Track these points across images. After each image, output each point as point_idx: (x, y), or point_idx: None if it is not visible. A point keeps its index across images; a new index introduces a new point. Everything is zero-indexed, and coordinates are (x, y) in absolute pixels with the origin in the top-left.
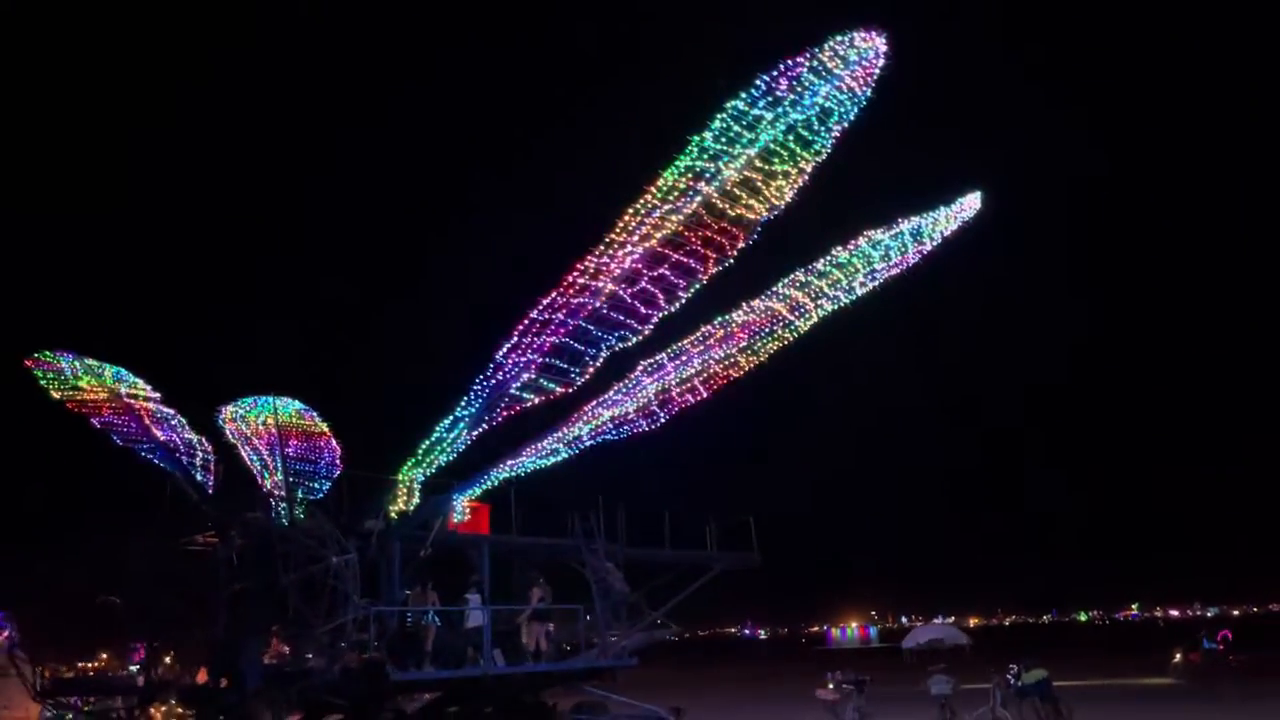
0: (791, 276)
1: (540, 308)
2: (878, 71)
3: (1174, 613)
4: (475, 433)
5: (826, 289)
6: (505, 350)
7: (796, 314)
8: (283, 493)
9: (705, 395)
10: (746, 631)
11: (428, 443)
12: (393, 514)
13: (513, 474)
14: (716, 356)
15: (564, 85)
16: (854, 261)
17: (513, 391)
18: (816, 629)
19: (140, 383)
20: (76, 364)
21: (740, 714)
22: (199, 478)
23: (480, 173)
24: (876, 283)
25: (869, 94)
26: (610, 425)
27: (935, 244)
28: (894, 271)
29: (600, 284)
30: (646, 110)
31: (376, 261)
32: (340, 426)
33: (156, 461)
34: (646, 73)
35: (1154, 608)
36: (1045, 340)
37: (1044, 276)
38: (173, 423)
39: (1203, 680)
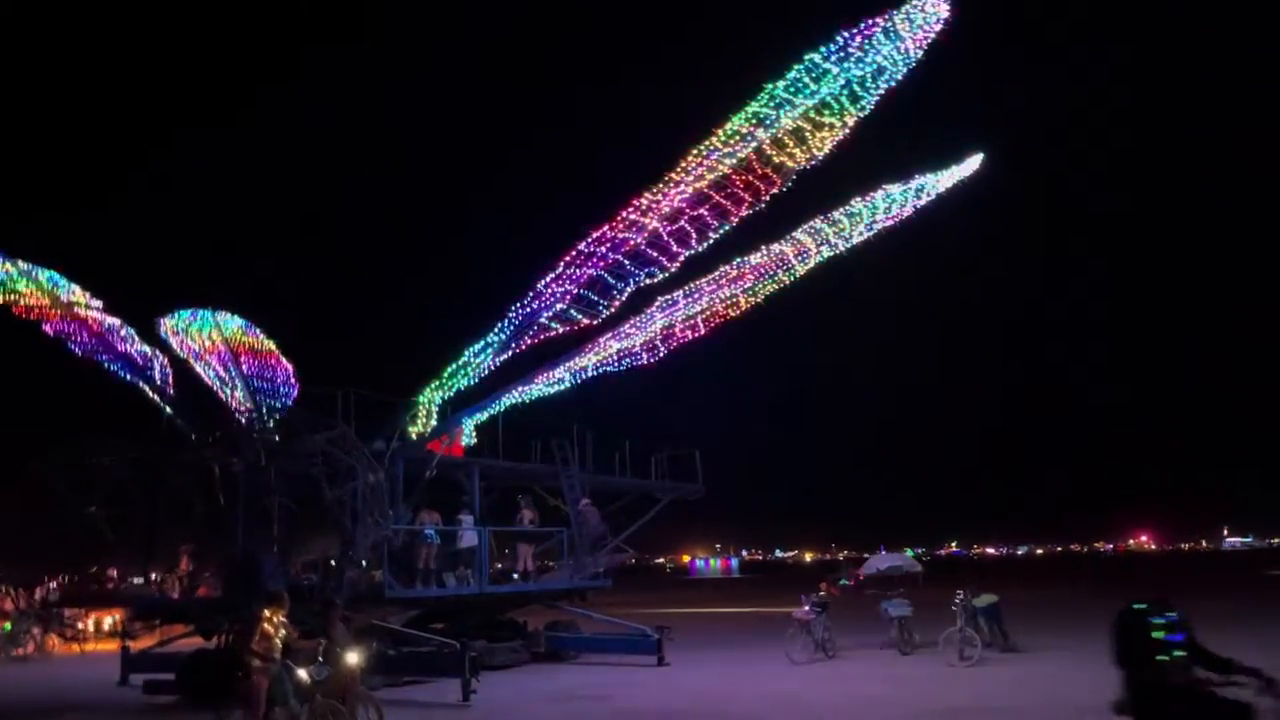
0: (808, 223)
1: (589, 240)
2: (934, 36)
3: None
4: (500, 359)
5: (831, 236)
6: (548, 279)
7: (799, 259)
8: (252, 409)
9: (704, 332)
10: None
11: (453, 366)
12: (412, 435)
13: (519, 400)
14: (723, 296)
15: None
16: (862, 212)
17: (542, 320)
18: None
19: (78, 289)
20: (8, 265)
21: (717, 635)
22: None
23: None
24: (872, 233)
25: (920, 56)
26: (614, 357)
27: (931, 200)
28: (889, 223)
29: (647, 220)
30: (715, 59)
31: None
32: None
33: (122, 374)
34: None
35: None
36: None
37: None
38: (121, 334)
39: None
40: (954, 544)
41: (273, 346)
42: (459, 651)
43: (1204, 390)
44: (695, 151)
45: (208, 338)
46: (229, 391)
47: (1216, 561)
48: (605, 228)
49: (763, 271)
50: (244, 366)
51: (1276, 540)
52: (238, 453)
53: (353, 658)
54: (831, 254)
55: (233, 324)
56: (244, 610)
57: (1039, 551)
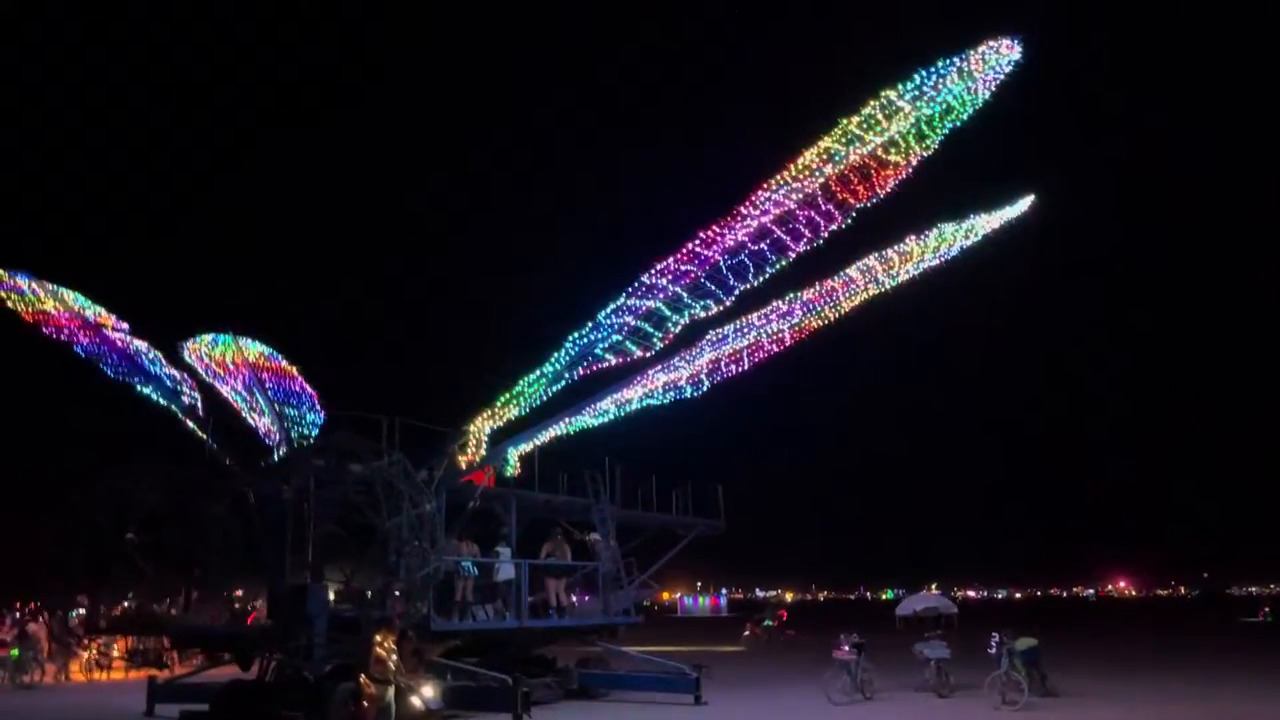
0: (862, 260)
1: (653, 271)
2: (1003, 78)
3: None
4: (553, 389)
5: (880, 274)
6: (609, 310)
7: (846, 295)
8: (279, 434)
9: (747, 367)
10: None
11: (507, 395)
12: (461, 464)
13: (564, 431)
14: (770, 330)
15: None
16: (914, 250)
17: (597, 350)
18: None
19: (103, 310)
20: (35, 285)
21: (755, 672)
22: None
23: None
24: (917, 272)
25: (988, 98)
26: (660, 390)
27: (977, 241)
28: (935, 264)
29: (710, 253)
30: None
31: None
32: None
33: (154, 398)
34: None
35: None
36: None
37: None
38: (149, 356)
39: (760, 648)
40: (934, 586)
41: (294, 370)
42: (510, 687)
43: (1188, 437)
44: (767, 185)
45: (230, 360)
46: (256, 416)
47: (1197, 608)
48: (670, 259)
49: (809, 307)
50: (268, 390)
51: (1255, 588)
52: (288, 480)
53: (429, 690)
54: (877, 291)
55: (255, 347)
56: (291, 640)
57: (1017, 595)
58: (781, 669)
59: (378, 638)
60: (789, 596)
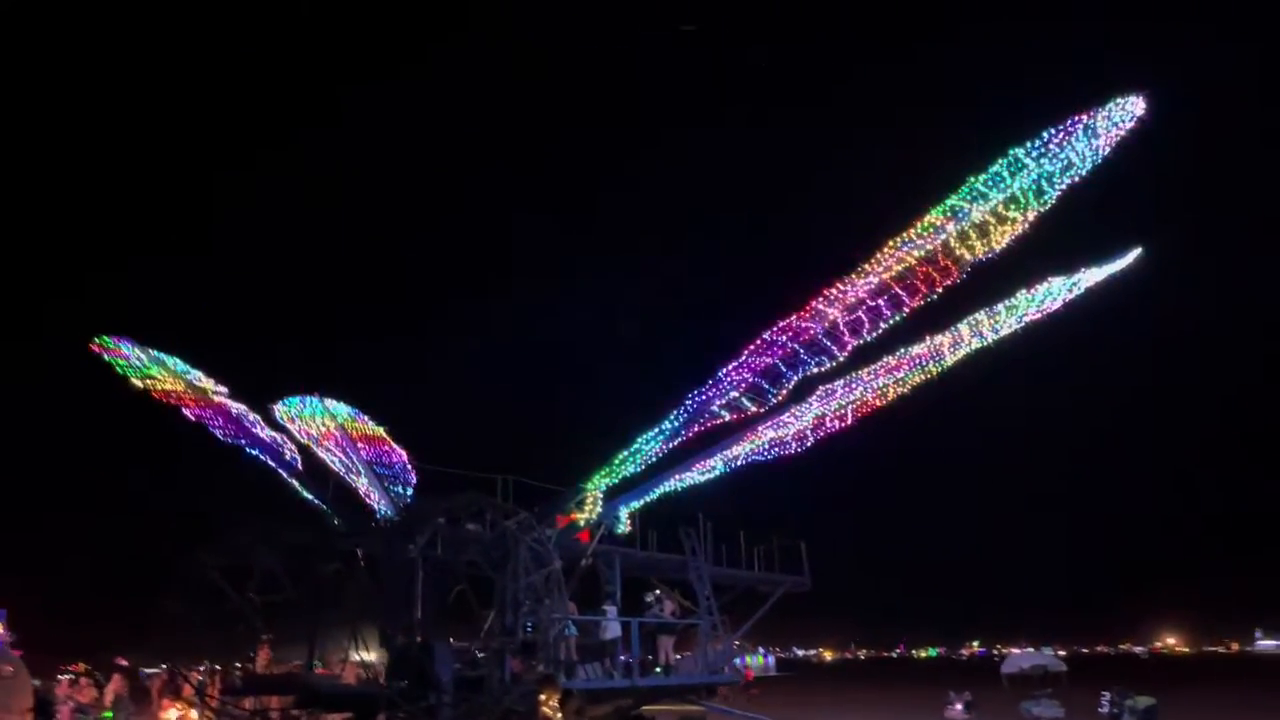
0: (972, 315)
1: (774, 329)
2: (1124, 134)
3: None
4: (668, 445)
5: (986, 328)
6: (729, 367)
7: (951, 350)
8: (379, 494)
9: (850, 423)
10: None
11: (625, 452)
12: (580, 522)
13: (673, 489)
14: (876, 386)
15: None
16: (1021, 304)
17: (714, 408)
18: None
19: (203, 375)
20: (140, 352)
21: None
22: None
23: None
24: (1019, 326)
25: (1108, 153)
26: (766, 446)
27: (1080, 294)
28: (1037, 318)
29: (830, 310)
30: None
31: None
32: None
33: (263, 459)
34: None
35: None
36: None
37: None
38: (250, 418)
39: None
40: (976, 643)
41: (382, 432)
42: None
43: (1229, 488)
44: (893, 242)
45: (322, 424)
46: (354, 476)
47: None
48: (794, 316)
49: (916, 362)
50: (362, 452)
51: None
52: (413, 539)
53: None
54: (980, 345)
55: (342, 410)
56: (419, 700)
57: (1062, 653)
58: None
59: (542, 696)
60: (828, 655)
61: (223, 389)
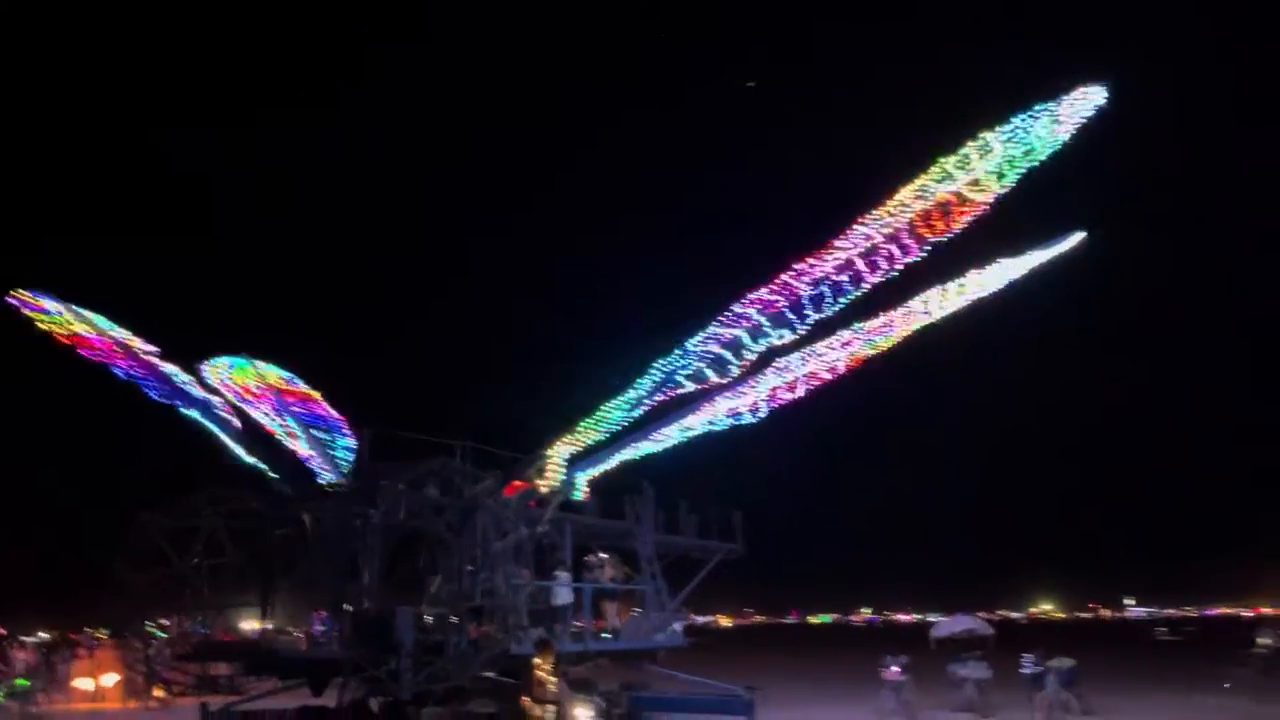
0: (925, 292)
1: (743, 301)
2: (1084, 122)
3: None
4: (633, 414)
5: (935, 306)
6: (700, 338)
7: (901, 326)
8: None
9: (800, 395)
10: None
11: (589, 420)
12: (542, 490)
13: (630, 458)
14: (827, 360)
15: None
16: (970, 283)
17: (678, 377)
18: None
19: (129, 334)
20: (62, 307)
21: (805, 693)
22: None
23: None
24: (965, 305)
25: (1066, 140)
26: (721, 416)
27: (1022, 276)
28: (976, 298)
29: (798, 284)
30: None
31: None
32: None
33: (200, 421)
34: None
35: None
36: None
37: None
38: (181, 380)
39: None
40: (868, 610)
41: (317, 394)
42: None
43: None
44: (863, 220)
45: (253, 383)
46: (292, 440)
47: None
48: (763, 289)
49: (866, 338)
50: (297, 410)
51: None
52: (374, 505)
53: (583, 713)
54: (927, 323)
55: (273, 370)
56: (380, 665)
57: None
58: (830, 691)
59: (537, 660)
60: (725, 621)
61: (152, 348)
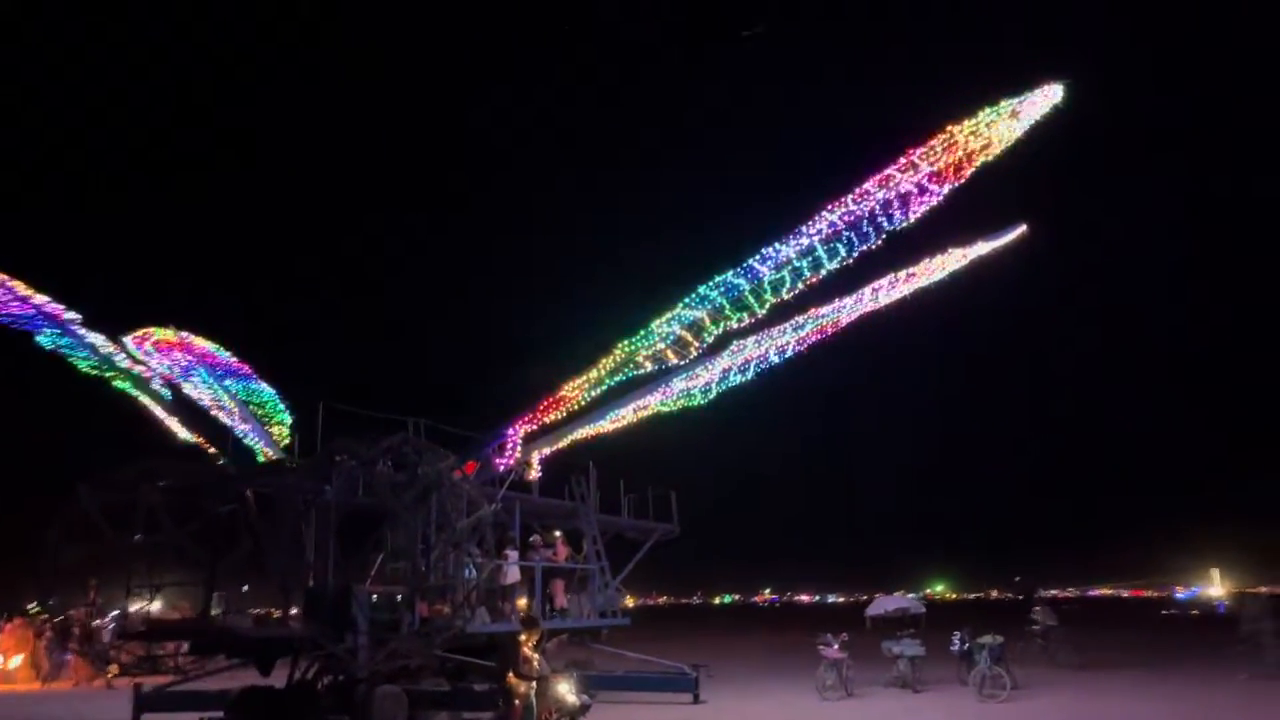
0: (885, 278)
1: (711, 284)
2: (1038, 119)
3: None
4: (595, 394)
5: (883, 291)
6: (663, 320)
7: (852, 309)
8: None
9: (749, 376)
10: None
11: (550, 399)
12: (499, 467)
13: (583, 435)
14: (778, 342)
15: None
16: (920, 270)
17: (639, 358)
18: None
19: (50, 299)
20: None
21: (750, 671)
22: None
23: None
24: (910, 290)
25: (1020, 137)
26: (675, 398)
27: (967, 265)
28: (925, 283)
29: (762, 269)
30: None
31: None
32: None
33: (131, 391)
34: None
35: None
36: None
37: None
38: (107, 350)
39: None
40: (768, 590)
41: (249, 369)
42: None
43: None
44: (832, 205)
45: (179, 354)
46: (224, 411)
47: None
48: (730, 272)
49: (815, 318)
50: (229, 384)
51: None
52: (329, 481)
53: (564, 689)
54: (873, 306)
55: (200, 341)
56: (335, 644)
57: (841, 600)
58: (776, 668)
59: (522, 637)
60: (630, 601)
61: (76, 316)
